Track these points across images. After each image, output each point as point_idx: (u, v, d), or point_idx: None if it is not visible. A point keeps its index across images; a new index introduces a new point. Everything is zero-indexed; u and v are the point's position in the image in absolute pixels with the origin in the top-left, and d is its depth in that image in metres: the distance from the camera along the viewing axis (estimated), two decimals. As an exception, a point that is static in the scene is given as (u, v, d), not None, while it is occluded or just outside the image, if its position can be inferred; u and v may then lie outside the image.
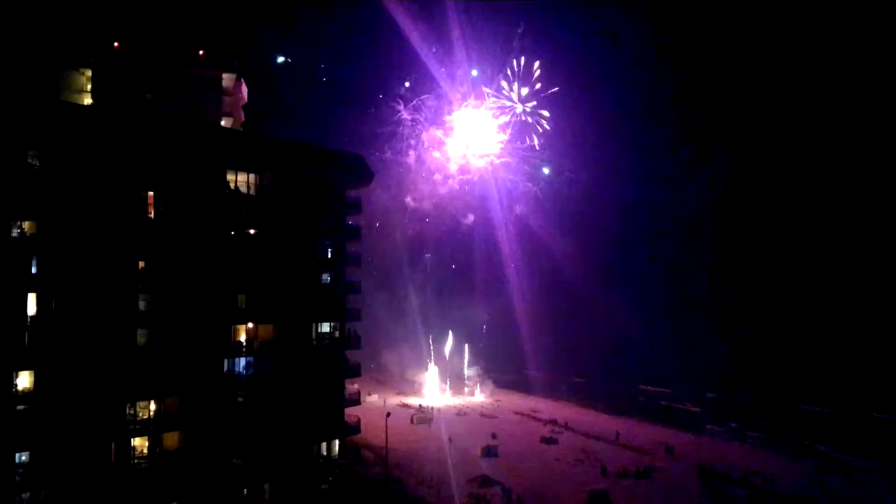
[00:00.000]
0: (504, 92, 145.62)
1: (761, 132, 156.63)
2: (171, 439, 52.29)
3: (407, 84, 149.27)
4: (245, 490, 56.14)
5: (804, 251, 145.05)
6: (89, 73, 62.02)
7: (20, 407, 45.24)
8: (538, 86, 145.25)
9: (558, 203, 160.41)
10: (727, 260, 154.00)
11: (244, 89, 76.32)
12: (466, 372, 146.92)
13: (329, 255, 65.12)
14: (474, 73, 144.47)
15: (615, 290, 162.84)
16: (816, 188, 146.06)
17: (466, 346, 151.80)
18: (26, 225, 46.50)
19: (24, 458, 45.47)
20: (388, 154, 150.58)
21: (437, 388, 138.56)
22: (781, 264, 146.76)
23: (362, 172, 68.92)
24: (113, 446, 48.99)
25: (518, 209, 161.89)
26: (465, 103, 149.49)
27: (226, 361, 56.27)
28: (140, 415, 51.06)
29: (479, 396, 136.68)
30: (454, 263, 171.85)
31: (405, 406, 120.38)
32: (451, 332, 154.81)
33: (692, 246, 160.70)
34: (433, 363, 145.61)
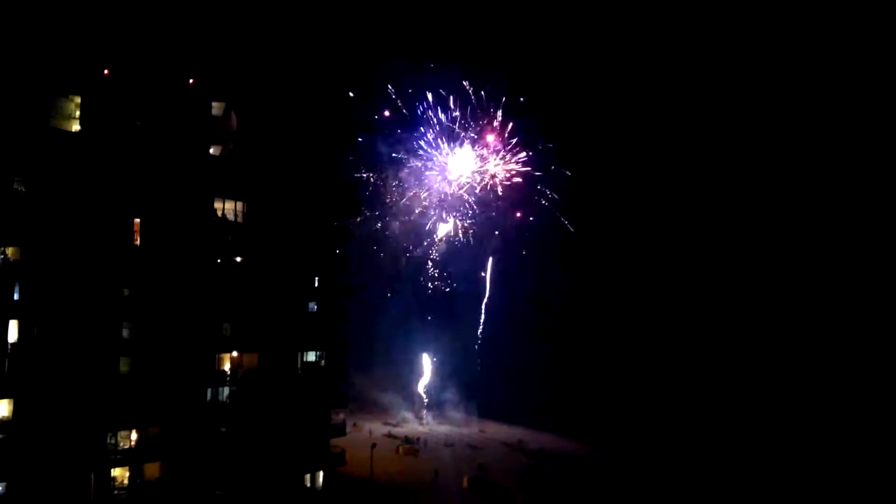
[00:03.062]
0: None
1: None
2: (151, 469, 51.44)
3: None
4: (227, 522, 55.17)
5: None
6: (78, 99, 61.97)
7: (-3, 436, 44.47)
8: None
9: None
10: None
11: (234, 117, 76.47)
12: (442, 397, 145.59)
13: (316, 284, 64.87)
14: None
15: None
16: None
17: (445, 369, 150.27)
18: (10, 251, 46.14)
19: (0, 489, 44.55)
20: (370, 179, 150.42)
21: (422, 417, 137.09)
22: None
23: (352, 201, 68.99)
24: (92, 477, 48.08)
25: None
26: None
27: (209, 390, 55.65)
28: (121, 444, 50.28)
29: (456, 422, 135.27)
30: (430, 286, 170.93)
31: (391, 436, 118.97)
32: (429, 358, 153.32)
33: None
34: (416, 390, 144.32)
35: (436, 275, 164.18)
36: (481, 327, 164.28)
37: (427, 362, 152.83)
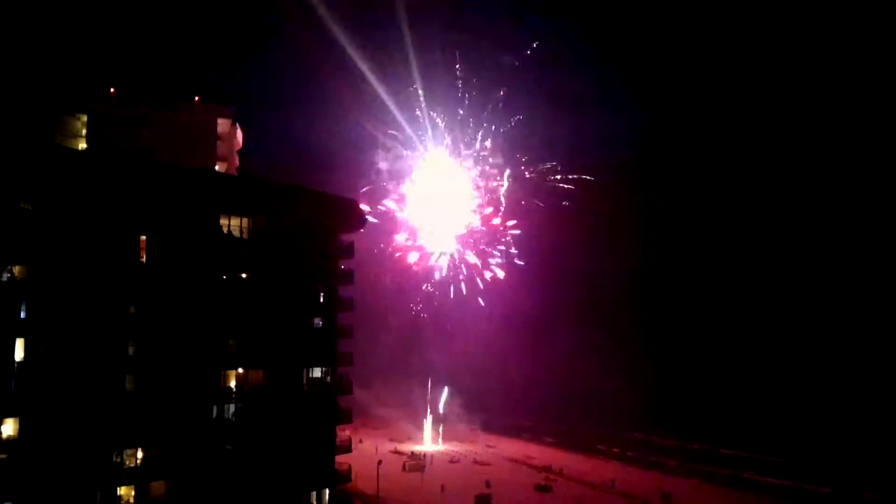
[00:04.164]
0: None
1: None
2: (157, 488, 51.12)
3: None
4: (232, 541, 54.74)
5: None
6: (85, 118, 62.51)
7: (2, 456, 44.27)
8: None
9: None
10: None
11: (239, 134, 77.02)
12: (442, 409, 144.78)
13: (321, 299, 64.72)
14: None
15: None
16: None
17: (447, 388, 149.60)
18: (16, 269, 46.17)
19: (5, 508, 44.36)
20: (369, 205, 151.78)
21: (429, 434, 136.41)
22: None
23: (355, 217, 69.06)
24: (98, 495, 47.86)
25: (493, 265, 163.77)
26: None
27: (215, 407, 55.45)
28: (127, 463, 50.01)
29: (462, 438, 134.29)
30: (429, 305, 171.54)
31: (397, 453, 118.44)
32: (435, 374, 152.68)
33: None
34: (422, 406, 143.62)
35: (437, 293, 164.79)
36: (487, 342, 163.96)
37: (432, 378, 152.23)
